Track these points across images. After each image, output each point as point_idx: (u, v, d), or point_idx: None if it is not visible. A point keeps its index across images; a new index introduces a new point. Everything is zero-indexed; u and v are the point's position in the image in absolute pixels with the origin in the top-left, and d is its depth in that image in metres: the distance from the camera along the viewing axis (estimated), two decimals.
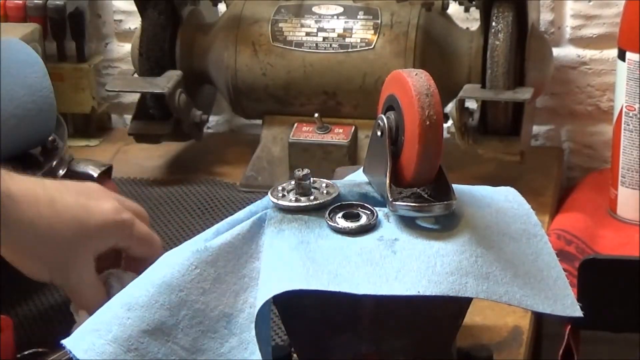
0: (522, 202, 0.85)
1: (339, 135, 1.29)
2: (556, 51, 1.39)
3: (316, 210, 0.80)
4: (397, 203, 0.77)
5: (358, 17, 1.31)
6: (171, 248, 0.82)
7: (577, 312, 0.77)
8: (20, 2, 1.47)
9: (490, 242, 0.77)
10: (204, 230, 0.82)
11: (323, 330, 0.82)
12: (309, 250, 0.77)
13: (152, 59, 1.35)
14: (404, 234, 0.77)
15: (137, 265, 0.94)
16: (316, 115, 1.30)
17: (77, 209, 0.91)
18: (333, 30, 1.31)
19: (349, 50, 1.30)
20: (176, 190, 1.33)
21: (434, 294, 0.73)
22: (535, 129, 1.45)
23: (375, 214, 0.79)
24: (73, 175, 1.16)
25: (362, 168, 0.88)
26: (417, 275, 0.73)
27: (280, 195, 0.81)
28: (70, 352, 0.79)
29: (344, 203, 0.81)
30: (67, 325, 1.03)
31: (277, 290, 0.74)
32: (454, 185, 0.82)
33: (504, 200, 0.84)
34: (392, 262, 0.75)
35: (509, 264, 0.77)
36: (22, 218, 0.88)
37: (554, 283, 0.78)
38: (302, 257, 0.76)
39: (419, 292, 0.73)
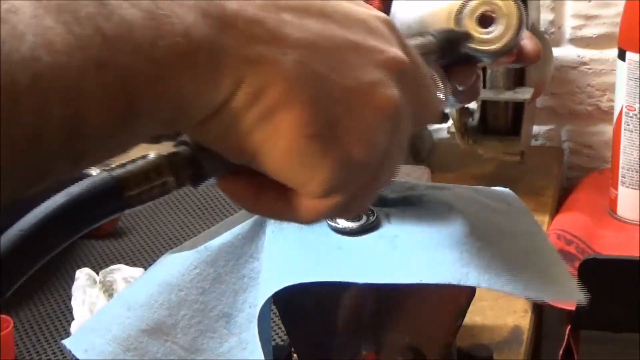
0: (521, 204, 0.85)
1: None
2: (556, 51, 1.39)
3: None
4: None
5: None
6: (171, 248, 0.82)
7: (582, 298, 0.77)
8: None
9: (490, 238, 0.78)
10: (204, 230, 0.82)
11: (323, 330, 0.82)
12: (309, 247, 0.77)
13: None
14: (404, 232, 0.78)
15: None
16: None
17: None
18: None
19: None
20: (176, 190, 1.33)
21: (435, 282, 0.73)
22: (535, 129, 1.45)
23: (375, 214, 0.79)
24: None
25: None
26: (419, 265, 0.74)
27: None
28: (70, 352, 0.79)
29: None
30: (67, 325, 1.03)
31: (278, 287, 0.74)
32: (453, 185, 0.82)
33: (503, 201, 0.84)
34: (393, 255, 0.75)
35: (510, 257, 0.77)
36: None
37: (557, 272, 0.78)
38: (303, 254, 0.76)
39: (420, 280, 0.73)
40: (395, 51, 0.50)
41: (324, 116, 0.47)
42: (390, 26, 0.51)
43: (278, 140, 0.46)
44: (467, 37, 0.75)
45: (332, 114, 0.47)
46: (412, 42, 0.57)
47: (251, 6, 0.46)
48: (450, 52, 0.71)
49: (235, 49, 0.45)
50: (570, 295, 0.77)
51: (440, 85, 0.66)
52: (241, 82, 0.45)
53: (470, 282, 0.73)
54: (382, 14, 0.51)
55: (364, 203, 0.53)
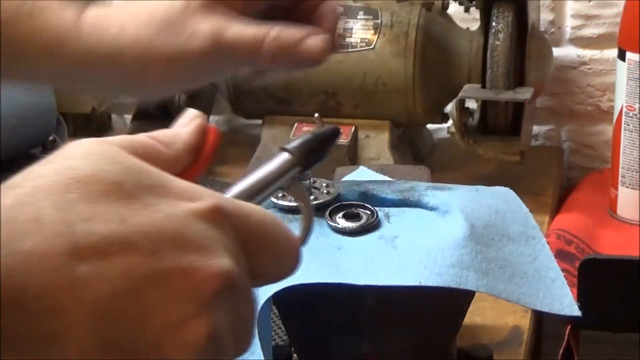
0: (520, 204, 0.85)
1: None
2: (556, 51, 1.39)
3: (316, 210, 0.80)
4: None
5: (358, 17, 1.31)
6: None
7: (575, 311, 0.77)
8: None
9: (489, 240, 0.78)
10: None
11: (323, 330, 0.82)
12: (309, 247, 0.77)
13: None
14: (404, 232, 0.78)
15: None
16: (316, 115, 1.29)
17: None
18: None
19: (349, 50, 1.30)
20: None
21: (435, 284, 0.73)
22: (535, 129, 1.45)
23: (376, 214, 0.80)
24: None
25: (361, 167, 0.88)
26: (419, 267, 0.74)
27: (280, 195, 0.81)
28: None
29: (344, 203, 0.81)
30: None
31: (278, 287, 0.73)
32: (453, 185, 0.82)
33: (503, 201, 0.85)
34: (393, 257, 0.75)
35: (508, 262, 0.77)
36: None
37: (552, 283, 0.79)
38: (303, 254, 0.76)
39: (420, 282, 0.73)
40: (215, 265, 0.44)
41: None
42: (218, 220, 0.45)
43: None
44: (336, 132, 0.66)
45: None
46: (264, 172, 0.55)
47: (41, 273, 0.41)
48: (315, 159, 0.64)
49: (20, 332, 0.41)
50: (564, 308, 0.77)
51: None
52: None
53: (469, 286, 0.74)
54: (207, 203, 0.45)
55: None
